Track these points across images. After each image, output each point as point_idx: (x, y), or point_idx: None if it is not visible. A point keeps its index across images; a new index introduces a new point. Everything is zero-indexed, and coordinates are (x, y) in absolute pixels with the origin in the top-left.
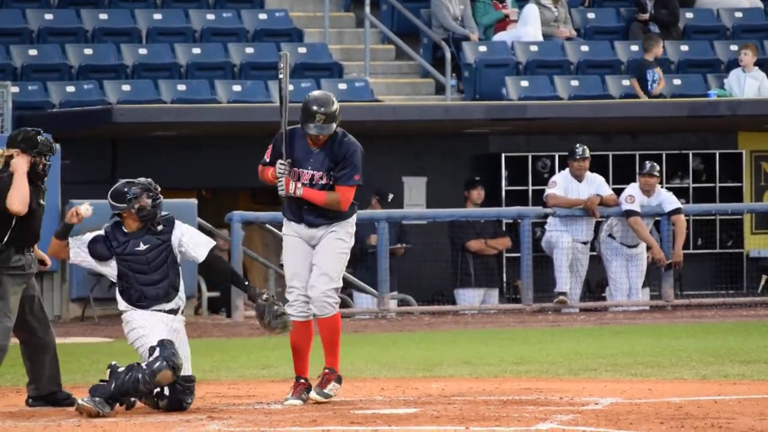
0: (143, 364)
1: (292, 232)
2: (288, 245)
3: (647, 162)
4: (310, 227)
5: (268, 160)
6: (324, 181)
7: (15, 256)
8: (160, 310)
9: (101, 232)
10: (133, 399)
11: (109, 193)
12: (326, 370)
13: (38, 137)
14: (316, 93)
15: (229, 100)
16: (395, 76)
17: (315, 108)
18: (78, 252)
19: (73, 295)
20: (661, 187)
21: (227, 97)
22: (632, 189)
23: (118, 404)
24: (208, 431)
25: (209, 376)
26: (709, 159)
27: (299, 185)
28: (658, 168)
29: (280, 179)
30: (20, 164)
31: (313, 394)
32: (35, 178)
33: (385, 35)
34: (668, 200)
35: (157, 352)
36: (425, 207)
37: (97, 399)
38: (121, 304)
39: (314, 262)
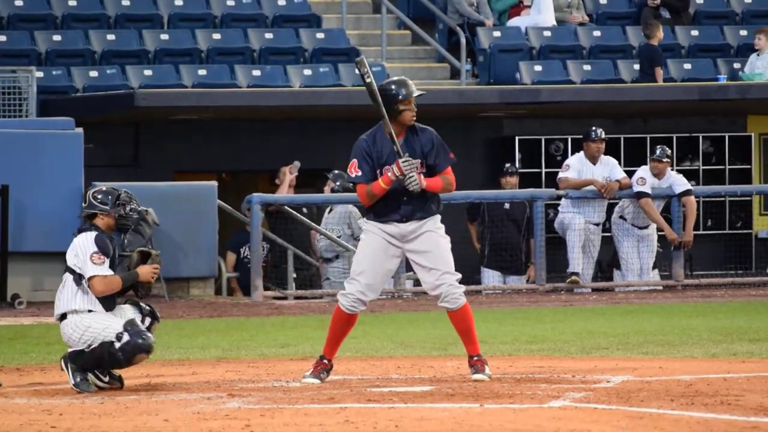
0: (117, 345)
1: (377, 231)
2: (369, 242)
3: (658, 147)
4: (405, 222)
5: (360, 174)
6: (422, 168)
7: None
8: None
9: (92, 232)
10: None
11: (92, 193)
12: (474, 358)
13: None
14: (399, 78)
15: (249, 85)
16: (411, 61)
17: (411, 83)
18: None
19: None
20: (672, 170)
21: (247, 81)
22: (643, 171)
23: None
24: (229, 408)
25: (229, 355)
26: (718, 142)
27: (417, 177)
28: (668, 152)
29: (412, 176)
30: None
31: (478, 375)
32: None
33: (401, 21)
34: (679, 182)
35: (127, 336)
36: None
37: (78, 373)
38: (92, 303)
39: (431, 266)
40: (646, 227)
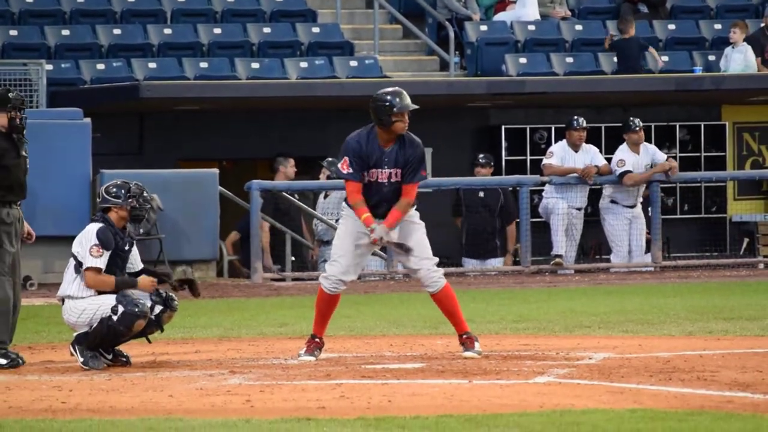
0: (115, 318)
1: (353, 216)
2: (347, 227)
3: (630, 120)
4: (379, 218)
5: (351, 172)
6: (398, 178)
7: (3, 210)
8: None
9: (98, 224)
10: (126, 357)
11: (105, 188)
12: (464, 336)
13: (9, 94)
14: (396, 89)
15: (248, 77)
16: (402, 54)
17: (406, 96)
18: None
19: None
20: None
21: (246, 73)
22: (621, 153)
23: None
24: (230, 384)
25: (230, 334)
26: (694, 130)
27: (386, 231)
28: (640, 122)
29: (377, 241)
30: None
31: (468, 353)
32: (15, 131)
33: (393, 16)
34: (658, 152)
35: (121, 308)
36: (430, 176)
37: (87, 352)
38: (87, 291)
39: (407, 251)
40: (634, 206)
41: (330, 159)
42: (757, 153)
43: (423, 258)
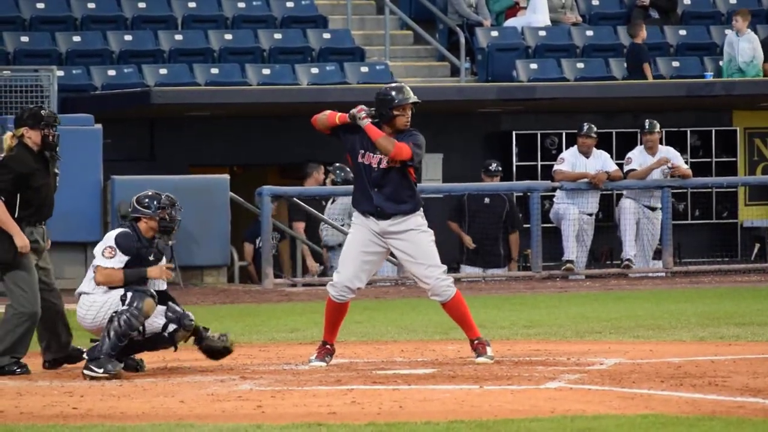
0: (124, 306)
1: (362, 224)
2: (354, 235)
3: (646, 121)
4: (381, 218)
5: (336, 115)
6: (386, 165)
7: (27, 229)
8: None
9: (120, 229)
10: (139, 360)
11: (136, 197)
12: (475, 342)
13: (42, 112)
14: (399, 84)
15: (259, 83)
16: (413, 60)
17: (408, 90)
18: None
19: None
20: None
21: (257, 79)
22: (632, 152)
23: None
24: (241, 390)
25: (241, 339)
26: (705, 136)
27: (367, 118)
28: (657, 125)
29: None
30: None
31: (481, 359)
32: (48, 148)
33: (403, 21)
34: (675, 153)
35: (130, 293)
36: (441, 181)
37: (103, 360)
38: (99, 289)
39: (416, 262)
40: (653, 209)
41: (338, 164)
42: None
43: (430, 266)
